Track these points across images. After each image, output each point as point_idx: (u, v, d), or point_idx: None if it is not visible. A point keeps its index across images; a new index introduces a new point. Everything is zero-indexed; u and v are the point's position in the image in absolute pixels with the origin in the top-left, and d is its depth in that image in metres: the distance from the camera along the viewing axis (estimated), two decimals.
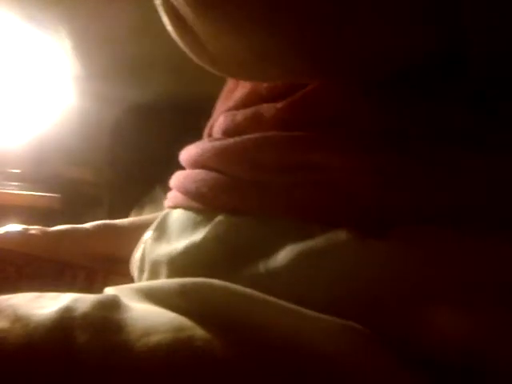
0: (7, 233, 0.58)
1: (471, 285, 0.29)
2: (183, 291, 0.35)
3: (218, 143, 0.41)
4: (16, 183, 1.26)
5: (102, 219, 0.66)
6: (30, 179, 1.27)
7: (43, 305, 0.32)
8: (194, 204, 0.42)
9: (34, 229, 0.59)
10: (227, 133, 0.42)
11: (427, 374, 0.28)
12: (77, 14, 0.91)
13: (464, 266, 0.29)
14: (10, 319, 0.30)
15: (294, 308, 0.31)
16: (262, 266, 0.35)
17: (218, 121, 0.45)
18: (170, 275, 0.39)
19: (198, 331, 0.31)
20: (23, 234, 0.58)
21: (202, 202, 0.41)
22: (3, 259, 0.53)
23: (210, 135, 0.49)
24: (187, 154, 0.47)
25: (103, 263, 0.55)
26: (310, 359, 0.29)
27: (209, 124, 0.49)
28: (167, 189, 1.06)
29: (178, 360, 0.29)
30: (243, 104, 0.42)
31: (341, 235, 0.32)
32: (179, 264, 0.39)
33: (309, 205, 0.35)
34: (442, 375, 0.28)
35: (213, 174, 0.41)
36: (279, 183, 0.37)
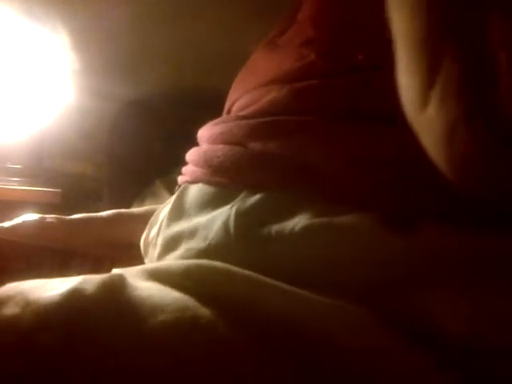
0: (24, 222, 0.58)
1: (473, 273, 0.30)
2: (187, 272, 0.35)
3: (252, 121, 0.40)
4: (16, 178, 1.26)
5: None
6: (30, 174, 1.27)
7: (52, 288, 0.33)
8: (217, 178, 0.41)
9: (51, 217, 0.60)
10: (264, 110, 0.41)
11: (432, 355, 0.29)
12: (75, 10, 0.91)
13: (468, 258, 0.30)
14: (20, 305, 0.31)
15: (295, 290, 0.32)
16: (274, 229, 0.35)
17: (244, 98, 0.45)
18: (190, 250, 0.39)
19: (202, 310, 0.31)
20: (40, 222, 0.59)
21: (226, 177, 0.40)
22: (12, 251, 0.53)
23: (229, 113, 0.49)
24: (208, 130, 0.46)
25: (117, 250, 0.55)
26: (308, 338, 0.30)
27: (228, 103, 0.49)
28: (167, 182, 1.08)
29: (183, 338, 0.30)
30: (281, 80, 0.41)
31: (365, 219, 0.32)
32: (202, 237, 0.38)
33: (341, 186, 0.35)
34: (446, 357, 0.29)
35: (238, 149, 0.40)
36: (313, 161, 0.36)
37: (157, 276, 0.37)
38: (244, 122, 0.41)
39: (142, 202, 1.11)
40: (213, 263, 0.35)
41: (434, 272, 0.31)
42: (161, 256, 0.45)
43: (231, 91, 0.51)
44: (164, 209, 0.49)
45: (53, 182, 1.26)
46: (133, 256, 0.52)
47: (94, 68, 1.09)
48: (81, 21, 0.96)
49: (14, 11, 0.94)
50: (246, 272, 0.34)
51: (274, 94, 0.40)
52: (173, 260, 0.41)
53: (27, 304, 0.31)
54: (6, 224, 0.58)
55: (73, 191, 1.29)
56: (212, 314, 0.31)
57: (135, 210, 0.67)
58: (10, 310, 0.30)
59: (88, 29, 0.98)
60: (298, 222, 0.34)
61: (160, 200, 1.03)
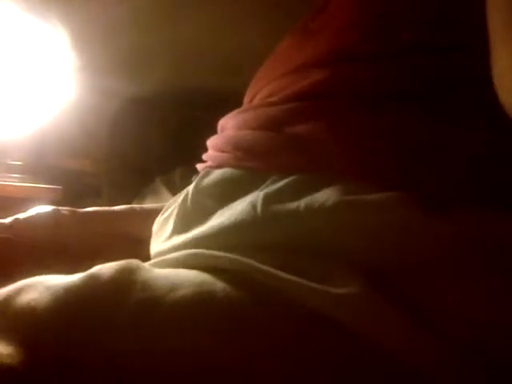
0: (39, 214, 0.58)
1: (499, 263, 0.30)
2: (195, 257, 0.36)
3: (288, 106, 0.39)
4: (17, 175, 1.26)
5: None
6: (30, 171, 1.28)
7: (69, 277, 0.33)
8: (246, 162, 0.40)
9: (64, 209, 0.60)
10: (300, 95, 0.40)
11: (444, 342, 0.29)
12: (77, 7, 0.91)
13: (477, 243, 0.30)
14: (38, 290, 0.31)
15: (299, 280, 0.31)
16: (303, 204, 0.34)
17: (272, 85, 0.44)
18: (213, 227, 0.39)
19: (219, 284, 0.32)
20: (54, 214, 0.59)
21: (256, 160, 0.40)
22: (22, 249, 0.53)
23: (251, 101, 0.48)
24: (233, 118, 0.45)
25: (128, 244, 0.55)
26: (316, 323, 0.30)
27: (250, 92, 0.48)
28: (167, 181, 1.08)
29: (202, 310, 0.31)
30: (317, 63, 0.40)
31: (396, 198, 0.32)
32: (227, 216, 0.38)
33: (371, 166, 0.35)
34: (458, 346, 0.29)
35: (268, 133, 0.40)
36: (343, 143, 0.36)
37: (168, 263, 0.37)
38: (276, 107, 0.40)
39: (142, 200, 1.12)
40: (217, 253, 0.35)
41: (459, 260, 0.30)
42: (175, 232, 0.45)
43: (254, 81, 0.50)
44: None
45: (54, 179, 1.26)
46: (139, 253, 0.52)
47: (95, 65, 1.10)
48: (83, 18, 0.96)
49: (16, 8, 0.94)
50: (256, 264, 0.34)
51: (315, 76, 0.39)
52: (190, 239, 0.40)
53: (45, 288, 0.31)
54: (21, 216, 0.58)
55: (73, 188, 1.29)
56: (228, 287, 0.32)
57: (148, 205, 0.66)
58: (29, 295, 0.31)
59: (90, 26, 0.99)
60: (329, 198, 0.33)
61: (160, 198, 1.03)
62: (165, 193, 1.05)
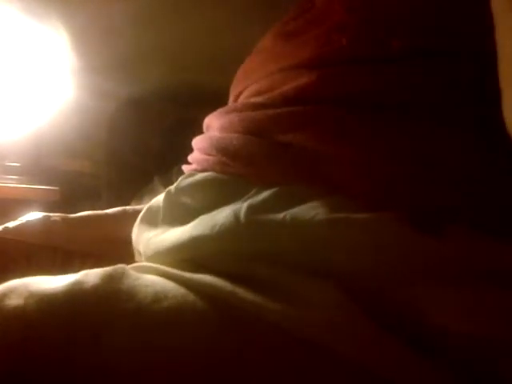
0: (29, 221, 0.58)
1: (487, 280, 0.29)
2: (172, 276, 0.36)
3: (271, 111, 0.38)
4: (15, 176, 1.26)
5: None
6: (28, 172, 1.28)
7: (54, 281, 0.33)
8: (230, 168, 0.39)
9: (55, 216, 0.60)
10: (291, 95, 0.38)
11: (429, 354, 0.29)
12: (75, 8, 0.92)
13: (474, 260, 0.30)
14: (23, 296, 0.31)
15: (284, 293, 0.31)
16: (290, 215, 0.33)
17: (259, 83, 0.42)
18: (196, 238, 0.38)
19: (199, 302, 0.32)
20: (44, 221, 0.59)
21: (241, 166, 0.38)
22: (13, 250, 0.53)
23: (236, 100, 0.47)
24: (219, 118, 0.44)
25: (121, 248, 0.55)
26: (300, 344, 0.30)
27: (235, 89, 0.47)
28: (165, 180, 1.08)
29: (186, 322, 0.31)
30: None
31: (386, 218, 0.31)
32: (209, 226, 0.37)
33: (361, 182, 0.33)
34: (445, 357, 0.29)
35: (254, 139, 0.38)
36: (332, 154, 0.34)
37: (157, 271, 0.37)
38: (262, 111, 0.39)
39: (140, 200, 1.12)
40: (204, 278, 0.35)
41: (448, 276, 0.30)
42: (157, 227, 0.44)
43: (239, 78, 0.49)
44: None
45: (51, 180, 1.27)
46: (131, 255, 0.52)
47: (92, 66, 1.10)
48: (80, 19, 0.96)
49: (14, 9, 0.94)
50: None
51: (301, 79, 0.38)
52: (177, 246, 0.40)
53: (30, 295, 0.31)
54: (11, 224, 0.58)
55: (71, 189, 1.29)
56: (205, 304, 0.32)
57: (140, 206, 0.67)
58: (14, 301, 0.31)
59: (87, 27, 0.99)
60: (318, 213, 0.32)
61: None
62: (163, 192, 1.05)
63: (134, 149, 1.30)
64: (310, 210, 0.33)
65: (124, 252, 0.54)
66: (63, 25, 0.96)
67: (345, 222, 0.32)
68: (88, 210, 0.66)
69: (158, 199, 0.46)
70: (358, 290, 0.31)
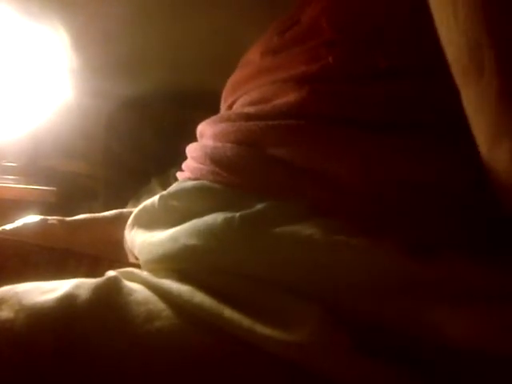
0: (26, 224, 0.58)
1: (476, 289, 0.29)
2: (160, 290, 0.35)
3: (264, 123, 0.38)
4: (11, 177, 1.26)
5: (97, 212, 0.67)
6: (25, 173, 1.27)
7: (46, 291, 0.33)
8: (223, 178, 0.39)
9: (52, 219, 0.60)
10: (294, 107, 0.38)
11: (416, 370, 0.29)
12: (73, 9, 0.92)
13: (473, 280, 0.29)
14: (14, 309, 0.31)
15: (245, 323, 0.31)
16: (287, 231, 0.33)
17: (253, 93, 0.42)
18: (187, 247, 0.38)
19: (189, 320, 0.32)
20: (41, 224, 0.59)
21: (234, 176, 0.38)
22: (9, 249, 0.53)
23: (230, 108, 0.47)
24: (212, 126, 0.44)
25: (118, 250, 0.55)
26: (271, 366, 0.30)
27: (229, 97, 0.47)
28: (162, 181, 1.08)
29: (178, 345, 0.31)
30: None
31: (382, 243, 0.31)
32: (202, 236, 0.37)
33: (356, 204, 0.33)
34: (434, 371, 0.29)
35: (249, 150, 0.38)
36: (325, 172, 0.34)
37: (149, 286, 0.36)
38: (255, 123, 0.39)
39: (137, 201, 1.12)
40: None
41: (444, 298, 0.29)
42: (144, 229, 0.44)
43: (228, 91, 0.49)
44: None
45: (48, 181, 1.26)
46: (128, 258, 0.52)
47: (91, 66, 1.10)
48: (79, 19, 0.96)
49: (13, 10, 0.94)
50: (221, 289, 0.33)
51: (292, 94, 0.38)
52: (167, 257, 0.40)
53: (21, 308, 0.31)
54: (8, 226, 0.58)
55: (68, 189, 1.29)
56: (199, 330, 0.32)
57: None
58: (5, 313, 0.30)
59: (85, 28, 0.99)
60: (315, 233, 0.32)
61: None
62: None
63: (132, 150, 1.29)
64: (306, 229, 0.32)
65: (121, 254, 0.54)
66: (62, 25, 0.96)
67: (345, 246, 0.31)
68: (85, 211, 0.66)
69: (152, 201, 0.46)
70: (348, 312, 0.30)
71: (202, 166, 0.42)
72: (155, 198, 0.45)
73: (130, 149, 1.29)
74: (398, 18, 0.36)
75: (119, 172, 1.31)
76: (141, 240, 0.44)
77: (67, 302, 0.31)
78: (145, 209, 0.47)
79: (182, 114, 1.24)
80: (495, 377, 0.29)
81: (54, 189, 1.24)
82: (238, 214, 0.35)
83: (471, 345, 0.28)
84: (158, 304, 0.33)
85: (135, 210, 0.49)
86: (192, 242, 0.36)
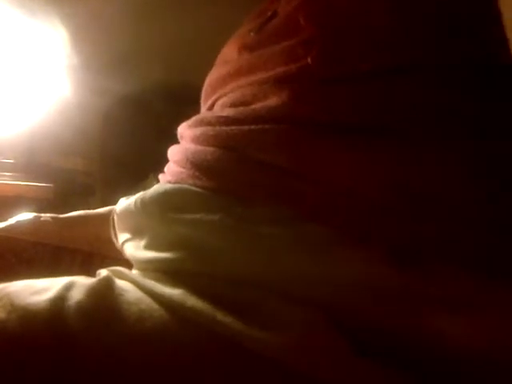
0: (19, 221, 0.58)
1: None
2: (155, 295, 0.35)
3: (245, 128, 0.37)
4: (8, 173, 1.26)
5: (94, 208, 0.67)
6: (22, 169, 1.27)
7: (38, 291, 0.33)
8: (203, 182, 0.38)
9: (46, 216, 0.60)
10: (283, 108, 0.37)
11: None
12: (71, 6, 0.91)
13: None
14: (6, 309, 0.31)
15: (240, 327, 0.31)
16: (275, 232, 0.33)
17: (234, 94, 0.41)
18: (174, 259, 0.38)
19: (181, 321, 0.32)
20: (35, 221, 0.59)
21: (214, 181, 0.38)
22: (2, 246, 0.53)
23: (211, 108, 0.46)
24: (192, 129, 0.43)
25: (113, 246, 0.55)
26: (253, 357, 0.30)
27: (208, 97, 0.46)
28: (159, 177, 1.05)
29: (169, 345, 0.31)
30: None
31: (368, 252, 0.31)
32: (200, 238, 0.37)
33: (349, 218, 0.32)
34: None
35: (230, 154, 0.38)
36: (307, 179, 0.34)
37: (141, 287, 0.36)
38: (236, 127, 0.38)
39: None
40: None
41: (438, 308, 0.30)
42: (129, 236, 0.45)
43: (207, 91, 0.48)
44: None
45: (45, 177, 1.26)
46: (121, 255, 0.52)
47: (88, 63, 1.09)
48: (77, 16, 0.96)
49: (11, 6, 0.94)
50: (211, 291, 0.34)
51: (272, 97, 0.37)
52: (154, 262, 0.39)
53: (13, 309, 0.31)
54: (1, 224, 0.58)
55: (65, 186, 1.29)
56: (193, 329, 0.32)
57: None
58: None
59: (84, 24, 0.98)
60: (301, 240, 0.32)
61: None
62: None
63: (129, 146, 1.29)
64: (287, 233, 0.32)
65: (114, 250, 0.53)
66: (60, 22, 0.96)
67: (330, 255, 0.31)
68: (82, 208, 0.66)
69: (130, 203, 0.46)
70: (344, 316, 0.31)
71: (182, 169, 0.42)
72: (133, 200, 0.45)
73: (127, 145, 1.29)
74: (375, 17, 0.35)
75: (116, 168, 1.31)
76: (129, 252, 0.44)
77: (60, 305, 0.31)
78: (126, 212, 0.46)
79: (178, 110, 1.23)
80: (494, 379, 0.29)
81: (51, 185, 1.24)
82: (217, 217, 0.35)
83: (470, 347, 0.28)
84: (150, 305, 0.33)
85: (117, 212, 0.48)
86: (176, 251, 0.36)
